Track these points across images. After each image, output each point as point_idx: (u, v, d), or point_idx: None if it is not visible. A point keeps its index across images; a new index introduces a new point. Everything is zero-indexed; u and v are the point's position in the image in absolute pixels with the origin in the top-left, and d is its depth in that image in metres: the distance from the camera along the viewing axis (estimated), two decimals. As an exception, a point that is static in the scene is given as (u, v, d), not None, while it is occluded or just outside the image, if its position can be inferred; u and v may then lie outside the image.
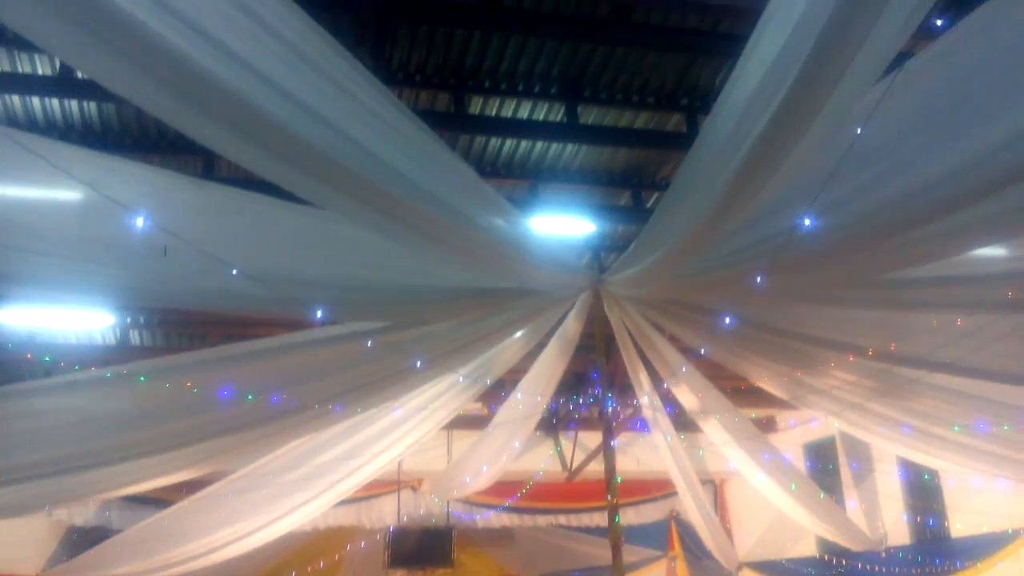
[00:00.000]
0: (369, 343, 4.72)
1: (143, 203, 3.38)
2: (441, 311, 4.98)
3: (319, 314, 4.12)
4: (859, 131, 3.05)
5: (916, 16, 2.56)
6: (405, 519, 10.78)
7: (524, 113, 5.63)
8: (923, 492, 9.39)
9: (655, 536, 12.09)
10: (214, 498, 7.55)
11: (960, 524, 9.02)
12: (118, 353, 8.21)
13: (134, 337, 8.72)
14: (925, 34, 2.88)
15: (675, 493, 10.42)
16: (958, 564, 8.91)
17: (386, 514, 10.84)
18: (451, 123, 5.48)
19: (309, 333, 5.22)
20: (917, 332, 4.59)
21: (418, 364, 5.11)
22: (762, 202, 3.62)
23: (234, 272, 3.65)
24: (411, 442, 7.35)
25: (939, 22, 2.78)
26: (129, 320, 8.11)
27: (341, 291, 4.33)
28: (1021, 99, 2.78)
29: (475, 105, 5.55)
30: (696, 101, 5.42)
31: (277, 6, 2.82)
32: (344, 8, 4.54)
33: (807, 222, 3.45)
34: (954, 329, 4.39)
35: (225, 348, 5.32)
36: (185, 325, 8.24)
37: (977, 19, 2.85)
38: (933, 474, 8.76)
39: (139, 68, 2.62)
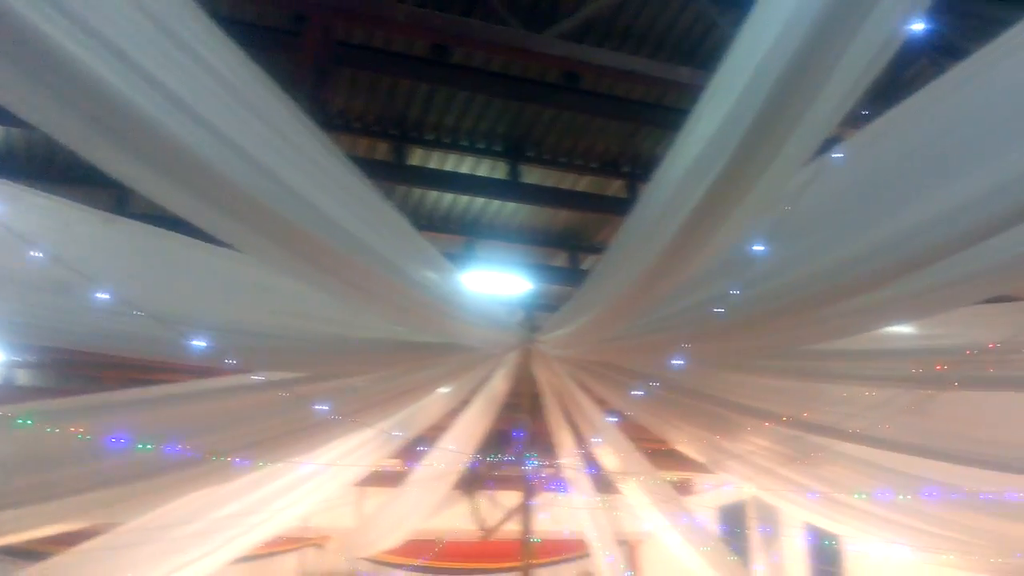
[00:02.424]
0: (284, 394, 4.53)
1: (46, 236, 3.23)
2: (363, 364, 4.85)
3: (229, 362, 3.97)
4: (787, 208, 3.24)
5: (847, 103, 2.76)
6: None
7: (465, 168, 5.72)
8: (825, 557, 9.65)
9: None
10: (95, 552, 6.77)
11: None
12: (2, 392, 7.67)
13: (22, 376, 8.21)
14: (852, 122, 3.10)
15: (588, 554, 10.22)
16: (856, 627, 9.18)
17: (286, 573, 10.45)
18: (389, 173, 5.49)
19: (216, 381, 4.95)
20: (829, 402, 4.78)
21: (332, 418, 4.86)
22: (694, 271, 3.76)
23: (139, 313, 3.48)
24: (319, 498, 7.07)
25: (865, 112, 3.00)
26: (18, 358, 7.58)
27: (255, 338, 4.15)
28: (938, 188, 2.98)
29: (416, 157, 5.61)
30: (638, 168, 5.60)
31: (209, 39, 2.69)
32: (283, 48, 4.50)
33: (734, 292, 3.63)
34: (862, 400, 4.60)
35: (122, 393, 5.00)
36: (80, 366, 7.69)
37: (901, 111, 3.06)
38: (834, 539, 9.02)
39: (48, 91, 2.36)
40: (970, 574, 7.54)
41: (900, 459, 5.30)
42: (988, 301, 4.08)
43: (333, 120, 5.22)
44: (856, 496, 6.17)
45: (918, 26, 2.42)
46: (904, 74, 4.77)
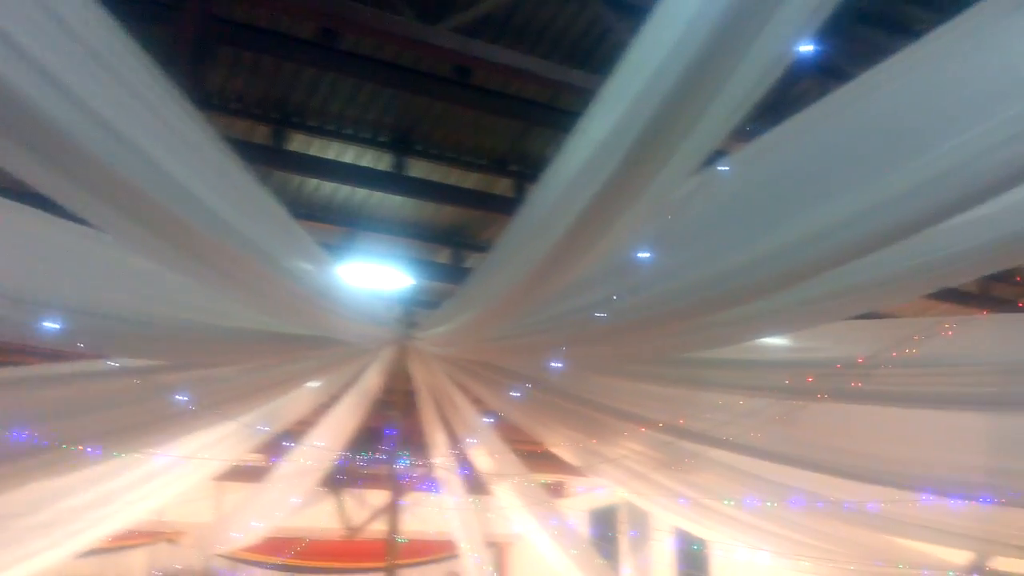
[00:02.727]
0: (137, 382, 4.35)
1: None
2: (228, 354, 4.66)
3: (83, 346, 3.82)
4: (670, 218, 3.25)
5: (735, 116, 2.77)
6: (158, 574, 10.06)
7: (349, 157, 5.55)
8: (692, 561, 9.89)
9: None
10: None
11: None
12: None
13: None
14: (740, 136, 3.13)
15: (457, 555, 10.25)
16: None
17: (135, 568, 10.05)
18: (267, 157, 5.25)
19: (69, 366, 4.71)
20: (703, 409, 4.86)
21: (193, 409, 4.70)
22: (577, 275, 3.75)
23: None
24: (175, 492, 6.81)
25: (751, 127, 3.03)
26: None
27: (112, 322, 3.93)
28: (817, 205, 3.05)
29: (297, 142, 5.41)
30: (527, 169, 5.54)
31: (78, 5, 2.52)
32: (161, 22, 4.27)
33: (615, 298, 3.63)
34: (736, 409, 4.70)
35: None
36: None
37: (786, 129, 3.11)
38: (702, 544, 9.26)
39: None
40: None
41: (769, 467, 5.45)
42: (858, 317, 4.24)
43: (210, 99, 4.97)
44: (725, 502, 6.33)
45: (807, 47, 2.45)
46: (791, 92, 4.89)
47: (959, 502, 5.09)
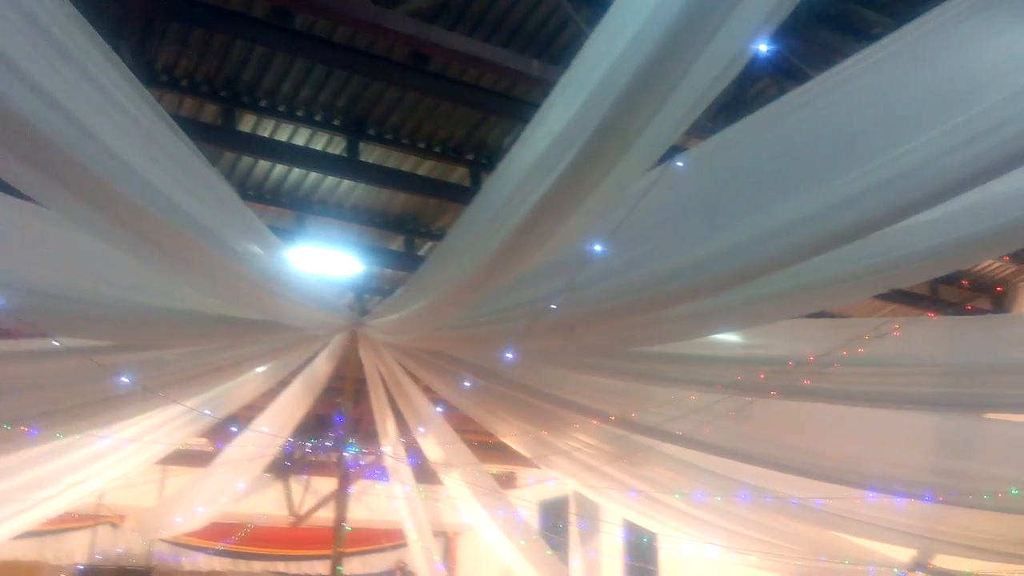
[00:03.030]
0: (81, 362, 4.24)
1: None
2: (174, 336, 4.58)
3: (23, 323, 3.71)
4: (626, 213, 3.22)
5: (692, 114, 2.76)
6: (99, 557, 9.90)
7: (301, 140, 5.44)
8: (641, 553, 9.95)
9: None
10: None
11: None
12: None
13: None
14: (698, 132, 3.11)
15: (405, 544, 10.26)
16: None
17: (75, 551, 9.88)
18: (217, 137, 5.11)
19: (12, 344, 4.65)
20: (656, 403, 4.87)
21: (138, 391, 4.58)
22: (531, 266, 3.72)
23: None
24: (117, 475, 6.67)
25: (709, 124, 3.02)
26: None
27: (55, 300, 3.86)
28: (772, 204, 3.05)
29: (247, 123, 5.29)
30: (482, 158, 5.48)
31: None
32: None
33: (569, 290, 3.61)
34: (687, 404, 4.71)
35: None
36: None
37: (743, 127, 3.12)
38: (651, 536, 9.31)
39: None
40: (774, 574, 7.97)
41: (718, 462, 5.48)
42: (810, 316, 4.27)
43: (158, 76, 4.83)
44: (675, 496, 6.36)
45: (764, 47, 2.45)
46: (748, 91, 4.90)
47: (903, 500, 5.18)
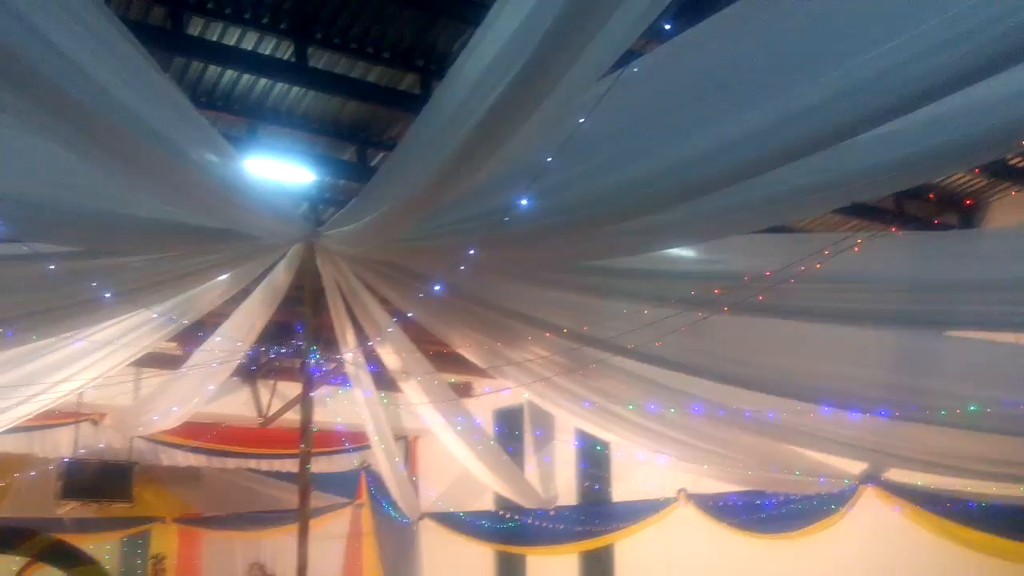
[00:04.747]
0: (52, 267, 4.32)
1: None
2: (137, 243, 4.65)
3: None
4: (581, 121, 3.11)
5: (649, 15, 2.64)
6: (82, 451, 10.35)
7: (249, 44, 5.20)
8: (594, 461, 10.16)
9: (344, 485, 12.44)
10: None
11: (621, 491, 9.94)
12: None
13: None
14: (655, 35, 2.98)
15: (368, 446, 10.70)
16: (614, 525, 9.86)
17: (61, 445, 10.36)
18: (166, 41, 4.90)
19: None
20: (608, 317, 4.84)
21: (106, 296, 4.76)
22: (484, 178, 3.64)
23: None
24: (94, 376, 6.94)
25: (668, 26, 2.89)
26: None
27: (21, 207, 3.89)
28: (729, 113, 2.96)
29: (195, 26, 5.05)
30: (432, 64, 5.29)
31: None
32: None
33: (523, 202, 3.51)
34: (640, 318, 4.68)
35: None
36: None
37: (704, 29, 2.97)
38: (605, 445, 9.48)
39: None
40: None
41: (672, 376, 5.51)
42: (768, 231, 4.21)
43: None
44: (628, 407, 6.42)
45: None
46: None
47: (857, 415, 5.23)
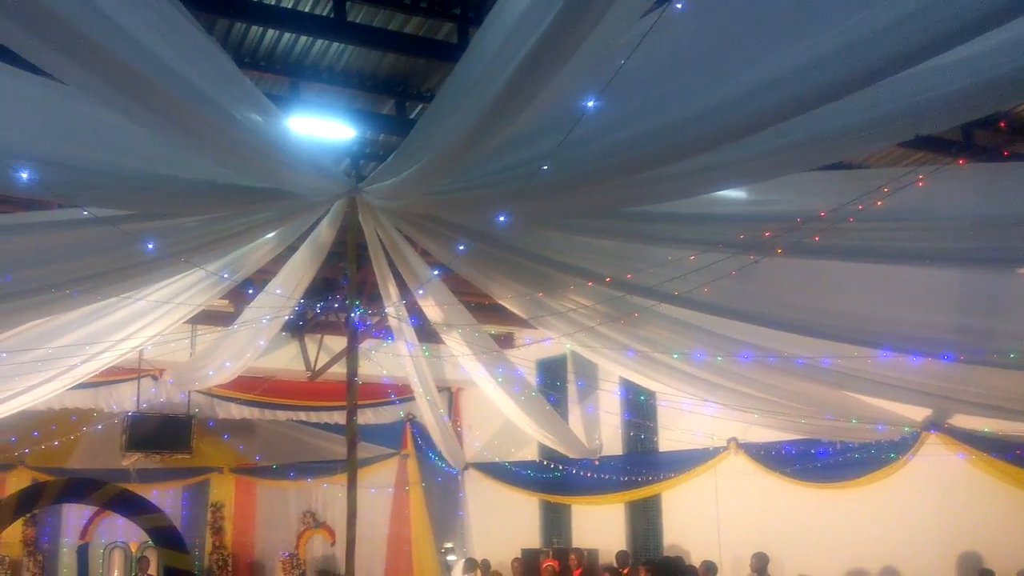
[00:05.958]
0: (111, 230, 4.47)
1: None
2: (189, 205, 4.82)
3: (53, 195, 3.97)
4: (622, 63, 3.01)
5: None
6: (144, 406, 10.92)
7: (289, 3, 5.16)
8: (639, 410, 10.14)
9: (390, 436, 12.91)
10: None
11: (668, 440, 9.87)
12: None
13: None
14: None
15: (412, 397, 11.00)
16: (661, 475, 9.85)
17: (125, 399, 10.97)
18: (210, 5, 4.90)
19: (48, 214, 5.08)
20: (652, 264, 4.76)
21: (162, 256, 4.99)
22: (520, 128, 3.59)
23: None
24: (153, 333, 7.31)
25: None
26: None
27: (81, 173, 4.07)
28: (778, 49, 2.86)
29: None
30: (469, 12, 5.18)
31: None
32: None
33: (561, 150, 3.43)
34: (686, 264, 4.58)
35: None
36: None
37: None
38: (650, 395, 9.43)
39: None
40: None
41: (719, 322, 5.41)
42: (825, 168, 4.01)
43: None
44: (674, 356, 6.33)
45: None
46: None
47: (919, 360, 5.03)
